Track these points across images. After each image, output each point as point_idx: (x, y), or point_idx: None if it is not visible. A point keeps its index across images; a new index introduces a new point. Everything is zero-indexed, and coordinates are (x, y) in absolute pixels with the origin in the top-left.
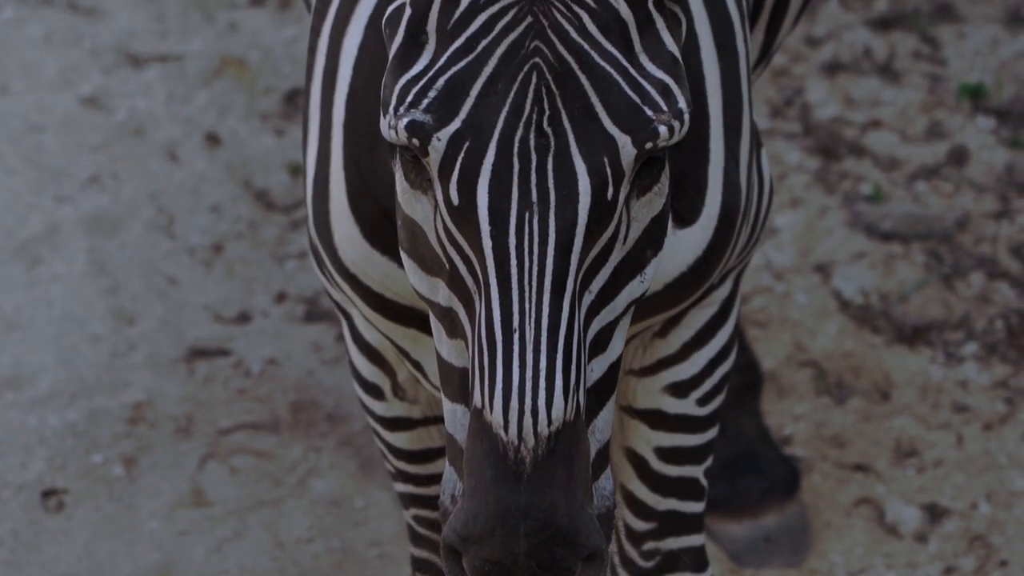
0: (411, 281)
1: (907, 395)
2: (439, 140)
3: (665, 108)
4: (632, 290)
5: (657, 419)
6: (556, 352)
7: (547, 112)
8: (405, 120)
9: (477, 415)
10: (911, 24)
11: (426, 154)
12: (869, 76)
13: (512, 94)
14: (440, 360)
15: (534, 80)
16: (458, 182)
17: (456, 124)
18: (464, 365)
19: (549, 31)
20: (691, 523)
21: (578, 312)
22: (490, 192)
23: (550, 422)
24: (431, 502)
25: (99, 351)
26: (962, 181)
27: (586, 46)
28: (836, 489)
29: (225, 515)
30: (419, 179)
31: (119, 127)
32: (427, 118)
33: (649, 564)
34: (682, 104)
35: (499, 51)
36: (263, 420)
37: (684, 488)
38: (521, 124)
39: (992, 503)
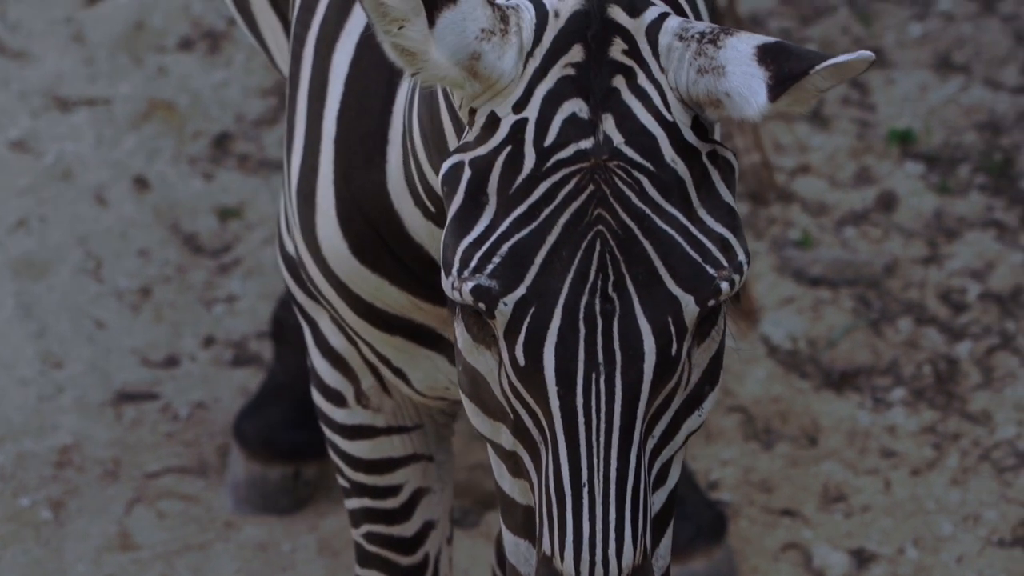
0: (472, 422)
1: (835, 440)
2: (505, 305)
3: (726, 264)
4: (691, 424)
5: None
6: (624, 503)
7: (611, 278)
8: (470, 284)
9: (546, 562)
10: None
11: (492, 317)
12: (798, 122)
13: (577, 261)
14: (501, 492)
15: (598, 247)
16: (525, 345)
17: (522, 290)
18: (527, 503)
19: (611, 198)
20: None
21: (644, 460)
22: (557, 355)
23: (620, 571)
24: (386, 516)
25: (26, 394)
26: (891, 227)
27: (647, 211)
28: (763, 534)
29: (152, 559)
30: (482, 334)
31: (47, 170)
32: (493, 283)
33: None
34: (741, 257)
35: (562, 220)
36: (190, 464)
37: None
38: (586, 290)
39: (919, 548)
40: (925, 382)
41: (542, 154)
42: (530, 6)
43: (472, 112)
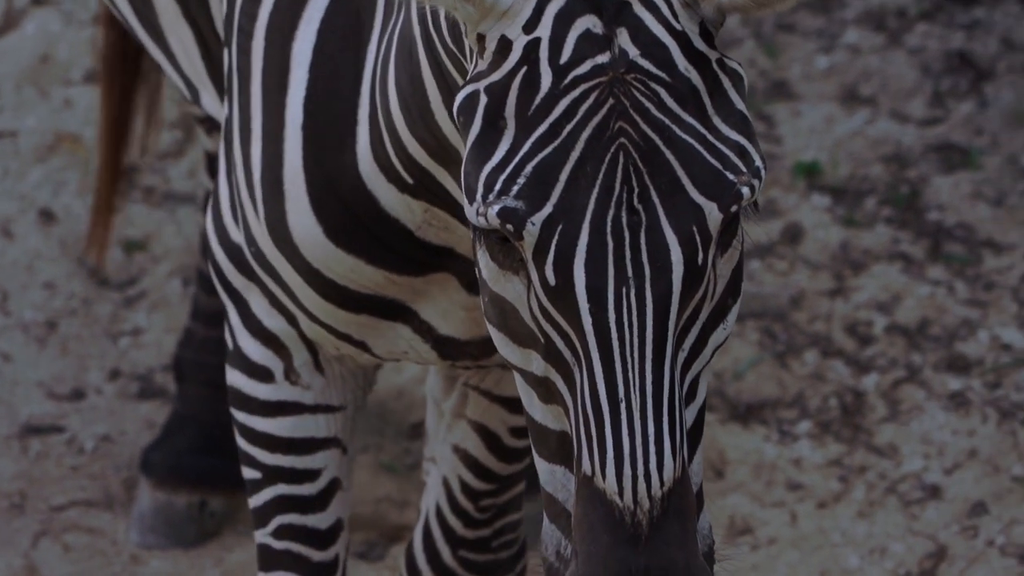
0: (501, 352)
1: (741, 473)
2: (533, 225)
3: (744, 169)
4: (717, 338)
5: (517, 405)
6: (662, 416)
7: (636, 190)
8: (496, 207)
9: (587, 482)
10: (746, 102)
11: (520, 238)
12: None
13: (601, 175)
14: (532, 422)
15: (621, 160)
16: (554, 264)
17: (548, 208)
18: (561, 428)
19: (631, 111)
20: (521, 476)
21: (676, 373)
22: (587, 272)
23: (663, 484)
24: (301, 504)
25: None
26: (797, 259)
27: (667, 121)
28: None
29: None
30: (508, 260)
31: None
32: (519, 204)
33: (484, 516)
34: (758, 162)
35: (585, 135)
36: (96, 497)
37: (527, 453)
38: (612, 204)
39: None
40: (831, 415)
41: (559, 72)
42: None
43: (481, 39)
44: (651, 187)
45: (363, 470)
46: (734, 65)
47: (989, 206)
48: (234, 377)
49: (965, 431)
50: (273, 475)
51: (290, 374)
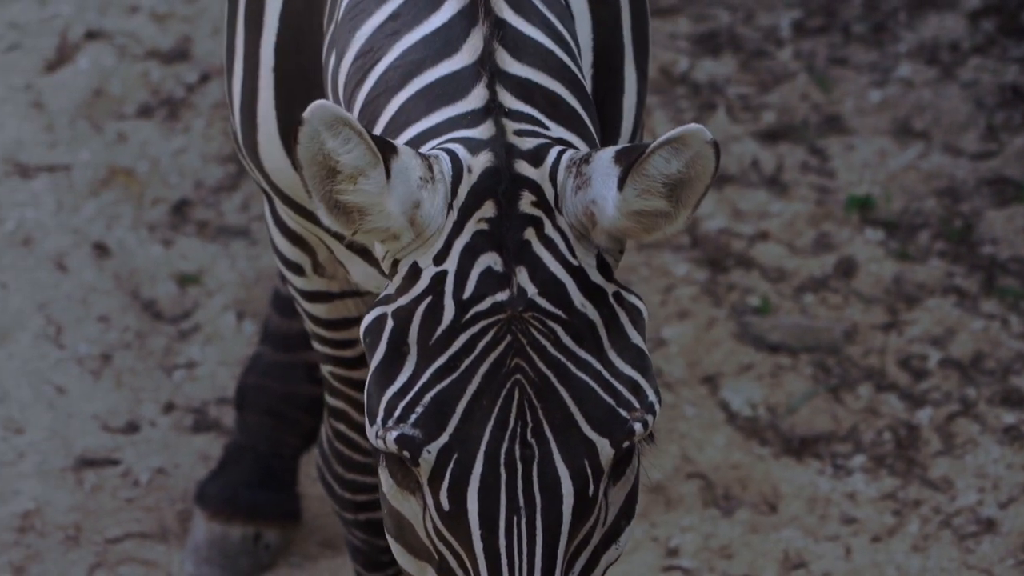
0: (399, 561)
1: (795, 507)
2: (429, 453)
3: (637, 405)
4: (609, 557)
5: None
6: None
7: (530, 424)
8: (395, 434)
9: None
10: (799, 136)
11: (417, 464)
12: (757, 188)
13: (496, 409)
14: None
15: (516, 395)
16: (448, 490)
17: (444, 438)
18: None
19: (528, 348)
20: None
21: None
22: (480, 499)
23: None
24: (345, 363)
25: None
26: (850, 293)
27: (563, 358)
28: None
29: None
30: (406, 480)
31: (7, 237)
32: (416, 432)
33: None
34: (652, 398)
35: (482, 370)
36: (151, 529)
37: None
38: (506, 437)
39: None
40: (885, 448)
41: (461, 306)
42: (446, 157)
43: (395, 263)
44: (545, 422)
45: None
46: (632, 299)
47: None
48: (279, 266)
49: (1020, 465)
50: (320, 340)
51: (317, 268)
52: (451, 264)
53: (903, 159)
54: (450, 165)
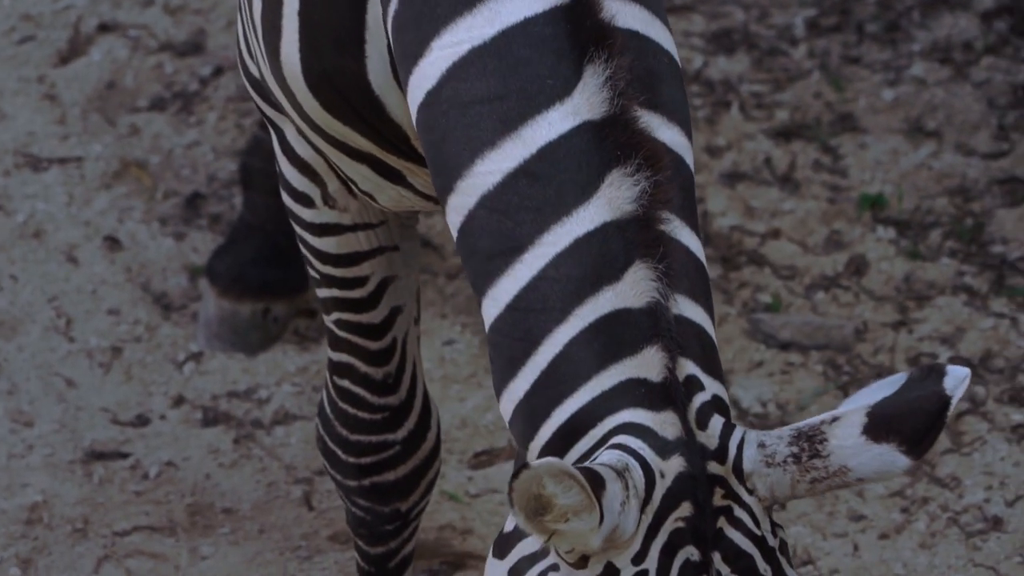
0: None
1: (803, 503)
2: None
3: None
4: None
5: None
6: None
7: None
8: None
9: None
10: (812, 134)
11: None
12: (769, 186)
13: None
14: None
15: None
16: None
17: None
18: None
19: None
20: None
21: None
22: None
23: None
24: (354, 305)
25: None
26: (861, 291)
27: None
28: None
29: None
30: None
31: (18, 229)
32: None
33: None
34: None
35: None
36: (159, 523)
37: None
38: None
39: None
40: None
41: None
42: (636, 464)
43: (584, 557)
44: None
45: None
46: (782, 535)
47: None
48: (286, 199)
49: None
50: (328, 281)
51: (327, 199)
52: (651, 564)
53: (915, 158)
54: (641, 473)
